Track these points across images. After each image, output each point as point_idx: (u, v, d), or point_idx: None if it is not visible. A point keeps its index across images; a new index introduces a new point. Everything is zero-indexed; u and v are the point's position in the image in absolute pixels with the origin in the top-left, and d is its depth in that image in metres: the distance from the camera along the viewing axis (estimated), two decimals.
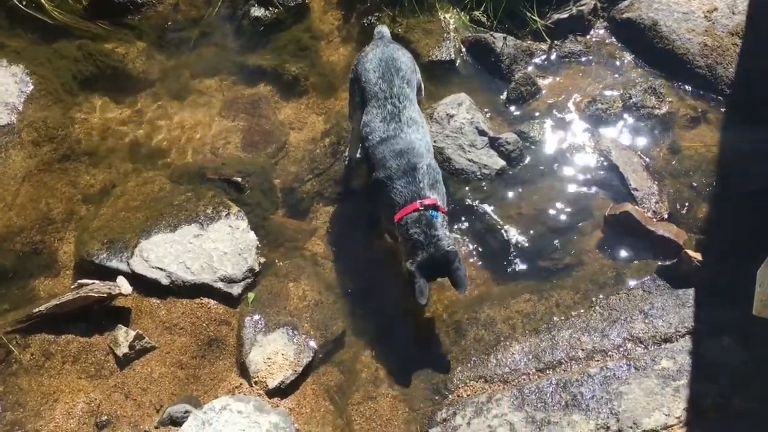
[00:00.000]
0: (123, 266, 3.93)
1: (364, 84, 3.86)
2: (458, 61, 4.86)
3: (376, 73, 3.83)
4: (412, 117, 3.75)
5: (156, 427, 3.46)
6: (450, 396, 3.61)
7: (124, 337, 3.69)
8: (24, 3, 4.91)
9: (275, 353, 3.68)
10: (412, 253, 3.53)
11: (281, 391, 3.61)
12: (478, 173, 4.31)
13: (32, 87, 4.54)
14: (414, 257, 3.51)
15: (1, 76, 4.50)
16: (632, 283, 3.88)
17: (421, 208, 3.53)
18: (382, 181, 3.66)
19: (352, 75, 4.03)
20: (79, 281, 3.81)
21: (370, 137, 3.74)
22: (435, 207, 3.55)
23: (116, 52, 4.85)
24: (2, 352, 3.67)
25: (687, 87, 4.65)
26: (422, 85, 4.18)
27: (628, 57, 4.85)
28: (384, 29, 4.19)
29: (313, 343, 3.77)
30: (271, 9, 5.03)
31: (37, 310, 3.72)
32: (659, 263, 3.93)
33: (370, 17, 5.04)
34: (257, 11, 5.03)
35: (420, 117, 3.83)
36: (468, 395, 3.58)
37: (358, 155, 4.38)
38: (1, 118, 4.34)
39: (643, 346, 3.58)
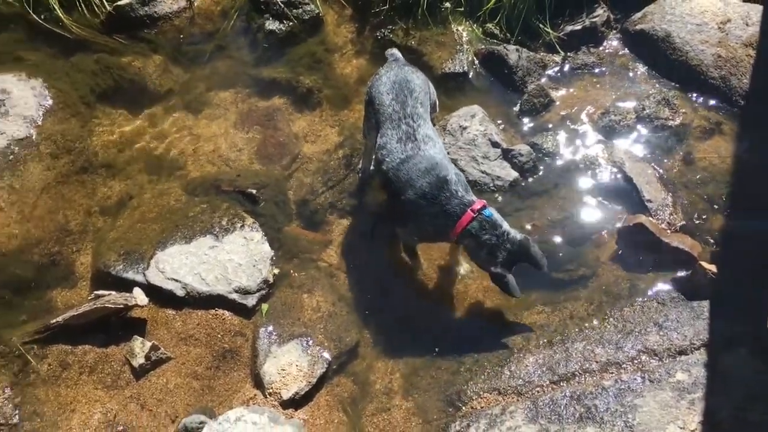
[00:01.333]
0: (139, 277, 3.96)
1: (378, 106, 3.89)
2: (471, 73, 4.89)
3: (389, 95, 3.86)
4: (427, 134, 3.77)
5: None
6: (464, 408, 3.61)
7: (140, 348, 3.73)
8: (42, 17, 4.99)
9: (289, 364, 3.70)
10: (490, 255, 3.59)
11: (295, 403, 3.63)
12: (492, 185, 4.32)
13: (51, 100, 4.60)
14: (494, 259, 3.58)
15: (21, 89, 4.56)
16: (647, 294, 3.87)
17: (475, 214, 3.57)
18: (415, 202, 3.66)
19: (366, 97, 4.06)
20: (96, 292, 3.84)
21: (387, 159, 3.74)
22: (485, 207, 3.61)
23: (133, 65, 4.91)
24: (20, 363, 3.71)
25: (701, 98, 4.64)
26: (437, 103, 4.20)
27: (642, 68, 4.85)
28: (396, 51, 4.24)
29: (326, 354, 3.78)
30: (285, 22, 5.08)
31: (54, 320, 3.76)
32: (673, 275, 3.92)
33: (383, 30, 5.08)
34: (272, 25, 5.09)
35: (434, 134, 3.84)
36: (482, 407, 3.58)
37: (371, 167, 4.41)
38: (20, 131, 4.40)
39: (657, 358, 3.57)
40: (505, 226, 3.60)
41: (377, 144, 3.84)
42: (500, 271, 3.58)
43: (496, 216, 3.61)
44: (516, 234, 3.60)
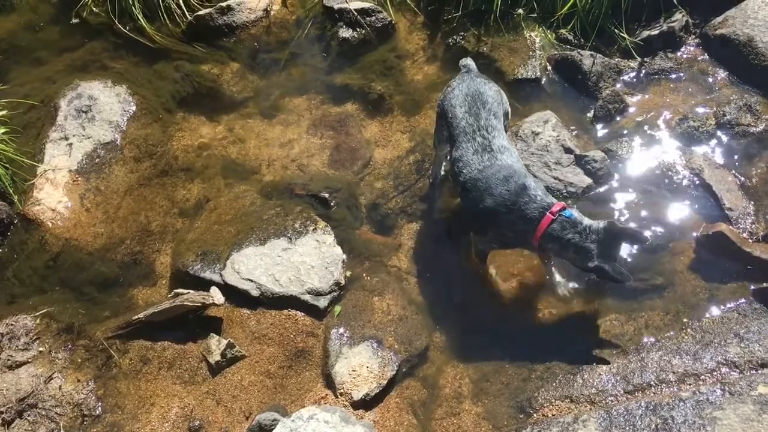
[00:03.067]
0: (216, 277, 4.08)
1: (450, 119, 3.89)
2: (544, 79, 4.85)
3: (462, 108, 3.85)
4: (503, 145, 3.76)
5: None
6: (534, 415, 3.57)
7: (216, 345, 3.84)
8: (127, 27, 5.22)
9: (360, 366, 3.74)
10: (581, 254, 3.52)
11: (365, 404, 3.67)
12: (564, 191, 4.27)
13: (134, 106, 4.80)
14: (588, 256, 3.51)
15: (106, 96, 4.78)
16: (727, 305, 3.76)
17: (555, 216, 3.53)
18: (493, 209, 3.63)
19: (438, 110, 4.06)
20: (175, 291, 3.98)
21: (464, 171, 3.74)
22: (563, 208, 3.56)
23: (212, 72, 5.08)
24: (103, 357, 3.86)
25: None
26: (509, 112, 4.17)
27: (722, 74, 4.72)
28: (469, 62, 4.19)
29: (396, 357, 3.80)
30: (358, 30, 5.16)
31: (136, 317, 3.90)
32: (755, 285, 3.79)
33: (455, 37, 5.10)
34: (345, 32, 5.17)
35: (510, 144, 3.82)
36: (553, 415, 3.54)
37: (442, 173, 4.43)
38: (106, 135, 4.61)
39: (738, 370, 3.46)
40: (586, 221, 3.52)
41: (453, 157, 3.84)
42: (597, 264, 3.48)
43: (576, 214, 3.55)
44: (598, 223, 3.51)
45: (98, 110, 4.70)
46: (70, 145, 4.53)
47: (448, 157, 3.89)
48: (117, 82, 4.89)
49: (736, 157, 4.33)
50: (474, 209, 3.75)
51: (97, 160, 4.51)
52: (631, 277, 3.50)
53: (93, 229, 4.27)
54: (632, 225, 3.53)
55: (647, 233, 3.49)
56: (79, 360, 3.84)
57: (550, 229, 3.54)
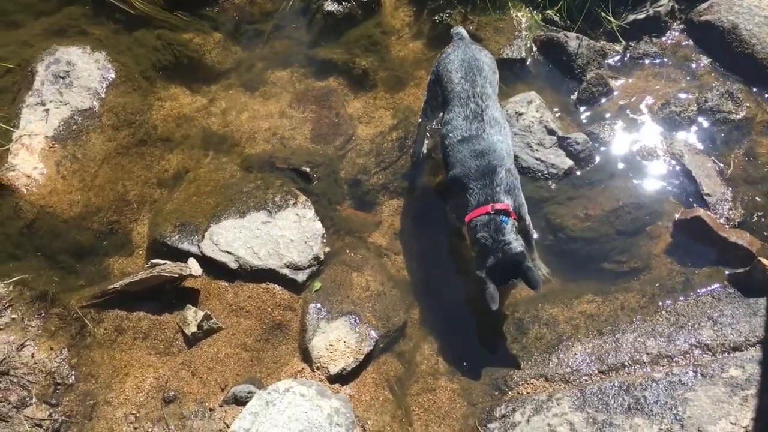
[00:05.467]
0: (194, 249, 4.04)
1: (446, 83, 3.89)
2: (529, 60, 4.84)
3: (458, 73, 3.85)
4: (494, 117, 3.75)
5: (220, 405, 3.56)
6: (509, 392, 3.60)
7: (192, 316, 3.81)
8: None
9: (337, 340, 3.74)
10: (481, 258, 3.52)
11: (342, 378, 3.67)
12: (546, 172, 4.28)
13: (113, 74, 4.70)
14: (483, 263, 3.50)
15: (85, 62, 4.68)
16: (701, 289, 3.80)
17: (492, 212, 3.50)
18: (458, 179, 3.66)
19: (432, 76, 4.05)
20: (152, 261, 3.93)
21: (450, 135, 3.75)
22: (506, 212, 3.52)
23: (194, 42, 4.99)
24: (78, 326, 3.82)
25: (766, 93, 4.51)
26: (497, 86, 4.16)
27: (705, 60, 4.74)
28: (461, 30, 4.21)
29: (374, 333, 3.81)
30: (344, 4, 5.10)
31: (111, 286, 3.86)
32: (730, 270, 3.83)
33: (441, 14, 5.05)
34: (330, 6, 5.11)
35: (502, 118, 3.82)
36: (528, 393, 3.57)
37: (424, 151, 4.42)
38: (84, 102, 4.52)
39: (710, 353, 3.51)
40: (509, 237, 3.45)
41: (444, 119, 3.85)
42: (482, 276, 3.48)
43: (509, 226, 3.48)
44: (515, 247, 3.45)
45: (76, 76, 4.60)
46: (47, 110, 4.43)
47: (441, 118, 3.90)
48: (96, 48, 4.79)
49: (716, 143, 4.36)
50: (447, 175, 3.77)
51: (74, 126, 4.42)
52: (495, 307, 3.44)
53: (69, 197, 4.20)
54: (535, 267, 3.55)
55: None
56: (53, 328, 3.78)
57: (478, 219, 3.52)
